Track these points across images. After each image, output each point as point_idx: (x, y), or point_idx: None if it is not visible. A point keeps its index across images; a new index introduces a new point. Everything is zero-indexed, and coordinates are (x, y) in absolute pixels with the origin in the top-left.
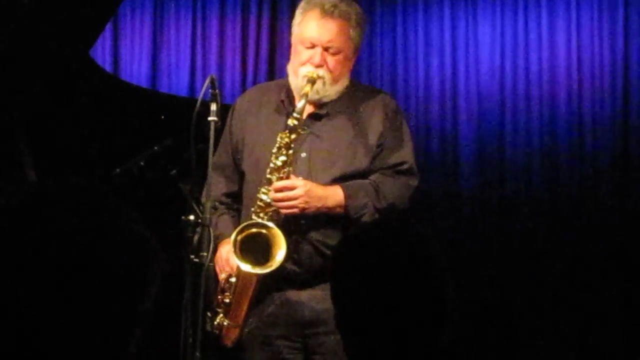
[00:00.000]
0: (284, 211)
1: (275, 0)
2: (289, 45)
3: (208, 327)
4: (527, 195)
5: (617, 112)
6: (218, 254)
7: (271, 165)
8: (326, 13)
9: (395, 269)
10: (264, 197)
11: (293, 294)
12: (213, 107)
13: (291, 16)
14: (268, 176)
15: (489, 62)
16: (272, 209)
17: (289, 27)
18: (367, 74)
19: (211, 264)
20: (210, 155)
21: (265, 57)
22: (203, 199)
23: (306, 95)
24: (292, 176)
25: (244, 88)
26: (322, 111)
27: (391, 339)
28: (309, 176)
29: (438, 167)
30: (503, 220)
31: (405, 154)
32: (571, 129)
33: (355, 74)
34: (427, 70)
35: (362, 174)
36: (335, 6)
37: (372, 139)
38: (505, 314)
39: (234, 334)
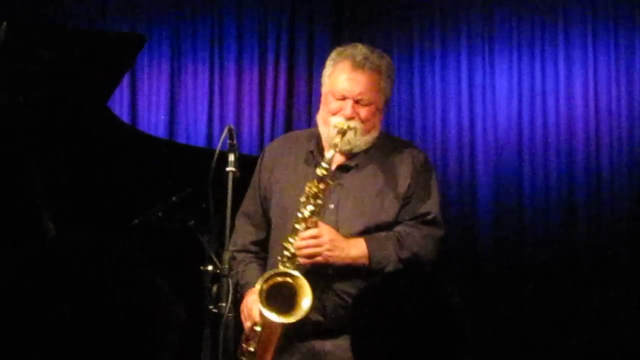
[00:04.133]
0: (306, 260)
1: (292, 50)
2: (306, 95)
3: None
4: (545, 246)
5: (635, 160)
6: (244, 302)
7: (298, 214)
8: (358, 66)
9: (414, 321)
10: (290, 247)
11: (317, 344)
12: (231, 157)
13: (308, 65)
14: (295, 226)
15: (506, 111)
16: (299, 258)
17: (306, 76)
18: (385, 122)
19: (230, 315)
20: (229, 206)
21: (283, 106)
22: (231, 247)
23: (336, 145)
24: (319, 223)
25: (261, 138)
26: (351, 163)
27: None
28: (336, 227)
29: (455, 216)
30: (521, 272)
31: (431, 205)
32: (589, 178)
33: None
34: (444, 119)
35: (390, 226)
36: (366, 59)
37: (400, 191)
38: None
39: None
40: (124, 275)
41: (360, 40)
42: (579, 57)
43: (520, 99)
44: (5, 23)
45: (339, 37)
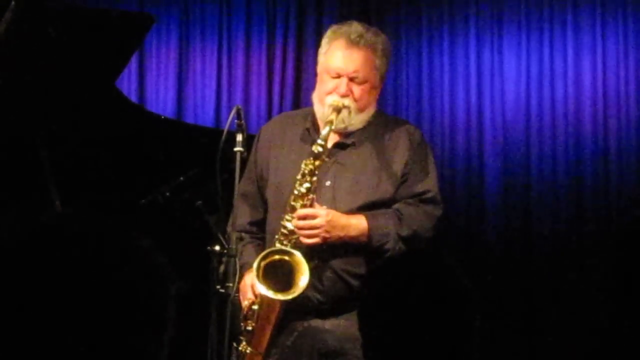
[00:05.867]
0: (305, 241)
1: (300, 30)
2: (315, 75)
3: (234, 358)
4: (553, 225)
5: None
6: (242, 282)
7: (295, 192)
8: (352, 43)
9: (422, 300)
10: (287, 224)
11: (316, 323)
12: (239, 137)
13: (317, 45)
14: (292, 203)
15: (514, 92)
16: (296, 236)
17: (315, 56)
18: (393, 103)
19: (237, 295)
20: (236, 186)
21: (291, 86)
22: (229, 229)
23: (331, 122)
24: (315, 204)
25: (269, 118)
26: (347, 140)
27: None
28: (333, 204)
29: (464, 196)
30: (528, 251)
31: (429, 184)
32: (597, 160)
33: (380, 103)
34: (452, 100)
35: (387, 203)
36: (361, 36)
37: (397, 168)
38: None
39: None
40: (121, 251)
41: (368, 21)
42: (588, 39)
43: (529, 81)
44: (13, 2)
45: (347, 18)
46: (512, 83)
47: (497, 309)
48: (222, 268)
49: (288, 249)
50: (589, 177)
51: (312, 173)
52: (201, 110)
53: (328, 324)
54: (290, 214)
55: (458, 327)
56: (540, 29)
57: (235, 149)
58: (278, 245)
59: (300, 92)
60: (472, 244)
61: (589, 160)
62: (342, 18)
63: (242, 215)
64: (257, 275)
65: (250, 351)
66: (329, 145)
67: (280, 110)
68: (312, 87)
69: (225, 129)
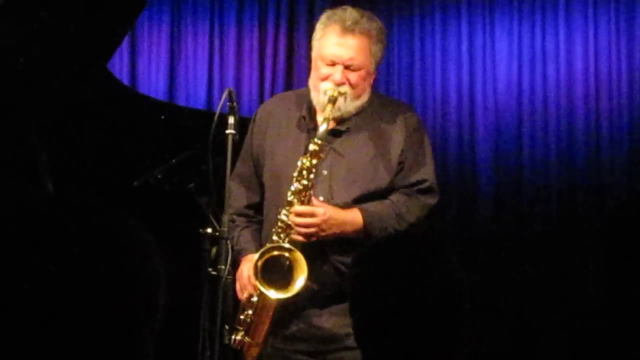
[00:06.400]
0: (300, 238)
1: (292, 12)
2: (307, 57)
3: (226, 340)
4: (544, 207)
5: (634, 123)
6: (239, 271)
7: (292, 187)
8: (347, 30)
9: (413, 285)
10: (284, 218)
11: (314, 312)
12: (231, 120)
13: (309, 27)
14: (289, 198)
15: (506, 74)
16: (293, 230)
17: (307, 38)
18: (384, 85)
19: (229, 277)
20: (228, 169)
21: (283, 69)
22: (228, 211)
23: (327, 119)
24: (313, 199)
25: (261, 100)
26: (342, 127)
27: (408, 355)
28: (329, 194)
29: (455, 179)
30: (520, 232)
31: (426, 172)
32: (589, 141)
33: (372, 86)
34: (444, 81)
35: (383, 192)
36: (356, 22)
37: (394, 156)
38: (519, 330)
39: (255, 352)
40: (112, 233)
41: (360, 3)
42: (580, 20)
43: (521, 62)
44: None
45: (339, 1)
46: (504, 65)
47: (487, 291)
48: (214, 251)
49: (287, 245)
50: (581, 158)
51: (309, 170)
52: (193, 92)
53: (325, 313)
54: (287, 208)
55: (447, 315)
56: (532, 10)
57: (227, 131)
58: (276, 239)
59: (292, 74)
60: (464, 227)
61: (581, 142)
62: (334, 1)
63: (238, 197)
64: (256, 274)
65: (248, 341)
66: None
67: (272, 93)
68: (303, 69)
69: (217, 111)
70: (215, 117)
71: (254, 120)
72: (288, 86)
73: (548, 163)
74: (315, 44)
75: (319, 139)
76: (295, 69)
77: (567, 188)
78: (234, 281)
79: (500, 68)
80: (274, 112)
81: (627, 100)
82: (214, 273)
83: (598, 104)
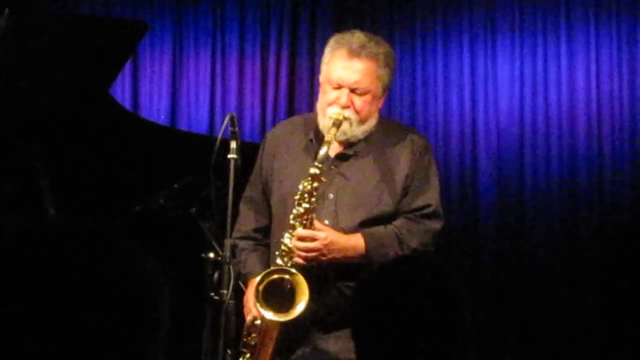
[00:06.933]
0: (301, 261)
1: (294, 37)
2: (308, 83)
3: None
4: (546, 232)
5: (637, 147)
6: (246, 295)
7: (294, 211)
8: (353, 53)
9: (415, 308)
10: (287, 241)
11: (319, 337)
12: (233, 144)
13: (310, 53)
14: (291, 222)
15: (508, 99)
16: (296, 254)
17: (308, 64)
18: (386, 110)
19: (231, 302)
20: (231, 194)
21: (285, 94)
22: (235, 234)
23: (329, 143)
24: (315, 222)
25: (263, 125)
26: (349, 151)
27: None
28: (335, 218)
29: (457, 203)
30: (522, 257)
31: (431, 197)
32: (591, 166)
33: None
34: (446, 106)
35: (387, 217)
36: (363, 46)
37: (399, 181)
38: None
39: None
40: (114, 257)
41: (362, 27)
42: (581, 44)
43: (522, 86)
44: (7, 9)
45: (341, 25)
46: (506, 89)
47: (490, 310)
48: (216, 275)
49: (289, 268)
50: (583, 182)
51: (310, 193)
52: (195, 117)
53: (331, 337)
54: (290, 231)
55: (449, 333)
56: (534, 35)
57: (229, 156)
58: (279, 262)
59: (294, 99)
60: (466, 248)
61: (582, 166)
62: (335, 26)
63: (247, 221)
64: (257, 297)
65: None
66: (332, 154)
67: (274, 118)
68: (305, 94)
69: (219, 136)
70: (217, 142)
71: (264, 145)
72: (290, 111)
73: (550, 187)
74: (323, 67)
75: (319, 162)
76: (296, 94)
77: (569, 211)
78: (236, 306)
79: (502, 92)
80: (283, 137)
81: (629, 124)
82: (216, 298)
83: (600, 128)
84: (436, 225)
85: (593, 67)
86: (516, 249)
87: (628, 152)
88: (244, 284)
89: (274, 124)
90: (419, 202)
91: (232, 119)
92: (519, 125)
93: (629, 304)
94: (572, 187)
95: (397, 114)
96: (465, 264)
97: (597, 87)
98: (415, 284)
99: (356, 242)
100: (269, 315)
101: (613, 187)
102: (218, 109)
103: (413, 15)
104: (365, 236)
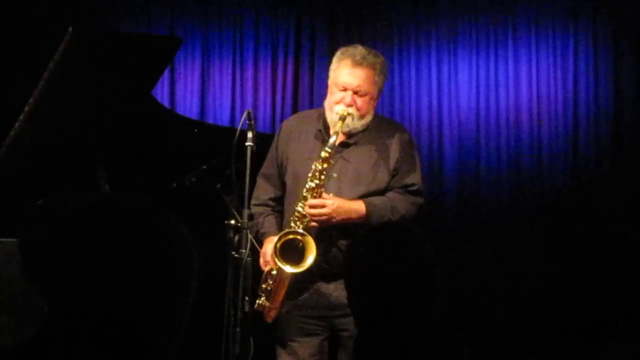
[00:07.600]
0: (315, 224)
1: (297, 51)
2: (309, 85)
3: (246, 309)
4: (497, 203)
5: (568, 134)
6: (263, 249)
7: (307, 186)
8: (356, 63)
9: (394, 263)
10: (300, 209)
11: (322, 285)
12: (249, 134)
13: (310, 63)
14: (304, 194)
15: (467, 98)
16: (307, 219)
17: (309, 71)
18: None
19: (249, 259)
20: (248, 174)
21: (290, 95)
22: (253, 202)
23: (337, 133)
24: (324, 194)
25: (274, 119)
26: (351, 140)
27: (393, 316)
28: (338, 192)
29: (427, 179)
30: (478, 221)
31: (416, 178)
32: (532, 149)
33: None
34: (417, 105)
35: (381, 191)
36: (364, 58)
37: (391, 164)
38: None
39: (273, 313)
40: (151, 224)
41: (350, 41)
42: (525, 55)
43: (478, 89)
44: (70, 29)
45: (334, 41)
46: (465, 90)
47: (452, 276)
48: (236, 238)
49: (301, 230)
50: (526, 166)
51: (321, 172)
52: (219, 113)
53: (331, 285)
54: (302, 202)
55: (422, 282)
56: (487, 46)
57: (247, 144)
58: (293, 226)
59: (297, 98)
60: (433, 219)
61: (526, 150)
62: (330, 43)
63: (264, 192)
64: (275, 252)
65: (268, 305)
66: (337, 143)
67: (282, 113)
68: (306, 94)
69: (239, 128)
70: (237, 133)
71: (280, 131)
72: (294, 108)
73: (500, 167)
74: (331, 73)
75: (329, 148)
76: (300, 95)
77: (515, 187)
78: (252, 262)
79: (462, 94)
80: (296, 125)
81: (562, 117)
82: (236, 256)
83: (540, 121)
84: (419, 199)
85: (534, 72)
86: (473, 217)
87: (562, 137)
88: (259, 242)
89: (282, 117)
90: (407, 181)
91: (248, 114)
92: (475, 120)
93: (565, 263)
94: (517, 169)
95: (379, 109)
96: (433, 231)
97: (537, 87)
98: (395, 245)
99: (358, 206)
100: (286, 267)
101: (550, 166)
102: (238, 107)
103: (391, 33)
104: (365, 202)
